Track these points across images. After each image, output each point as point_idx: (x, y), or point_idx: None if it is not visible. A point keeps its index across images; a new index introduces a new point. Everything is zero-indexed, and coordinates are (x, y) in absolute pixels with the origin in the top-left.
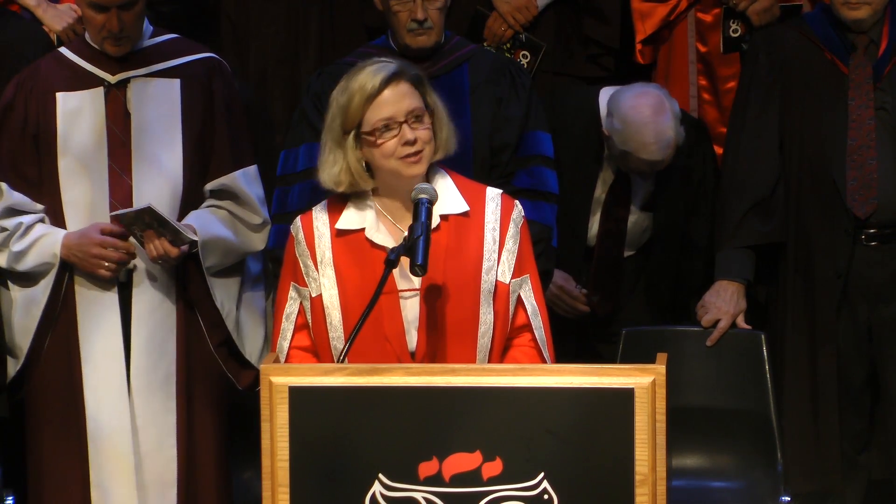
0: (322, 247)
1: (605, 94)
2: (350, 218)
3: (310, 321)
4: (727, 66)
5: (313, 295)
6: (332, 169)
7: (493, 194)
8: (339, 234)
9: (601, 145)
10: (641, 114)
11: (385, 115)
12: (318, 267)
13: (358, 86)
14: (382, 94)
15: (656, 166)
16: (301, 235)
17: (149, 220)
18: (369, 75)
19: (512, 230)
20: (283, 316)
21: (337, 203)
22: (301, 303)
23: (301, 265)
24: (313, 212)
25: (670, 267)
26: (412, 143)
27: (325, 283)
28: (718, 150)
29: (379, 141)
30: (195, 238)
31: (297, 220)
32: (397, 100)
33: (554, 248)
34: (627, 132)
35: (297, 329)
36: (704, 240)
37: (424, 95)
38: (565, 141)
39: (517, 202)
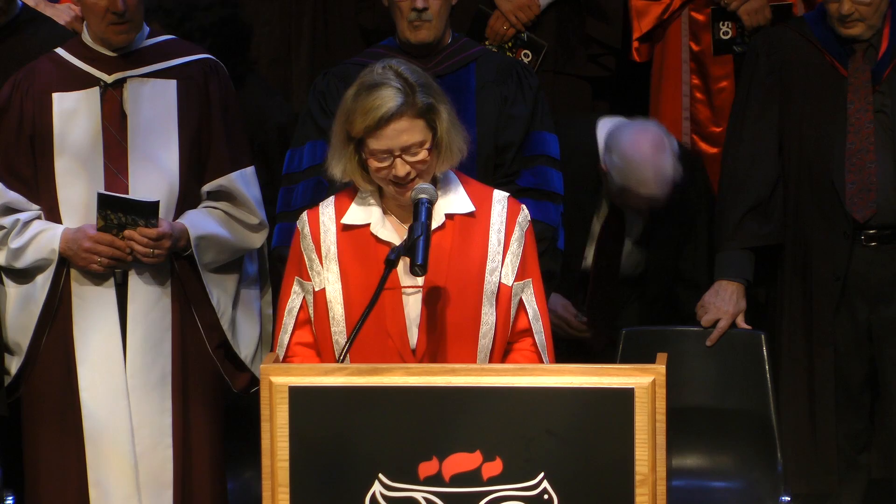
0: (327, 241)
1: (603, 126)
2: (356, 213)
3: (312, 316)
4: (720, 66)
5: (317, 289)
6: (337, 167)
7: (499, 196)
8: (344, 229)
9: (599, 180)
10: (641, 150)
11: (382, 147)
12: (323, 261)
13: (365, 109)
14: (383, 130)
15: (654, 203)
16: (307, 230)
17: (116, 217)
18: (379, 101)
19: (517, 233)
20: (286, 310)
21: (344, 198)
22: (304, 297)
23: (306, 259)
24: (320, 207)
25: (664, 300)
26: (402, 178)
27: (329, 278)
28: (710, 149)
29: (375, 166)
30: (152, 200)
31: (304, 214)
32: (396, 135)
33: (559, 250)
34: (627, 169)
35: (298, 324)
36: (701, 274)
37: (434, 121)
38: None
39: (524, 206)
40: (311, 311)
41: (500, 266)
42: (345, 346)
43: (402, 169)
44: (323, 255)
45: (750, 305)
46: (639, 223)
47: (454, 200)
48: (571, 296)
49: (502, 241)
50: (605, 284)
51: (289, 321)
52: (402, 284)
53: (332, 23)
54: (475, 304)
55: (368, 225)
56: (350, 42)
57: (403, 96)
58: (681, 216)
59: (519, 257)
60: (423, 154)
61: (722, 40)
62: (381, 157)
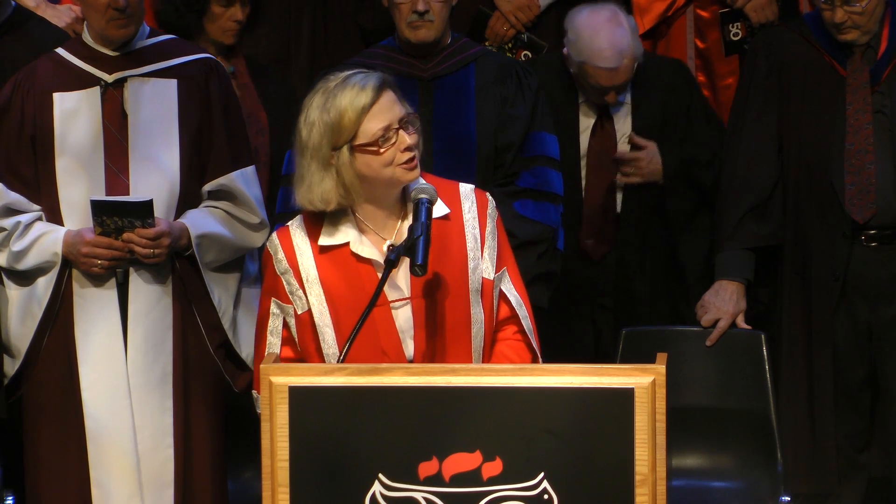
0: (305, 264)
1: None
2: (331, 233)
3: (296, 337)
4: (725, 63)
5: (299, 312)
6: (321, 187)
7: (466, 191)
8: (322, 251)
9: (576, 92)
10: (595, 22)
11: (383, 123)
12: (304, 284)
13: (347, 101)
14: (377, 104)
15: (615, 78)
16: (281, 254)
17: (113, 222)
18: (357, 89)
19: (489, 226)
20: (269, 331)
21: (313, 219)
22: (284, 319)
23: (283, 283)
24: (290, 228)
25: (653, 198)
26: (411, 148)
27: (314, 301)
28: None
29: (382, 150)
30: (145, 199)
31: (274, 237)
32: (390, 106)
33: (559, 250)
34: (582, 41)
35: (282, 343)
36: (714, 145)
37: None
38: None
39: (489, 195)
40: (293, 332)
41: (480, 262)
42: (339, 359)
43: (408, 138)
44: (303, 278)
45: (750, 305)
46: (625, 126)
47: None
48: (576, 218)
49: (478, 238)
50: (600, 191)
51: (274, 341)
52: (389, 299)
53: (332, 23)
54: (464, 306)
55: (347, 244)
56: (350, 42)
57: (378, 74)
58: (670, 115)
59: (495, 250)
60: (415, 130)
61: (733, 42)
62: (384, 136)
